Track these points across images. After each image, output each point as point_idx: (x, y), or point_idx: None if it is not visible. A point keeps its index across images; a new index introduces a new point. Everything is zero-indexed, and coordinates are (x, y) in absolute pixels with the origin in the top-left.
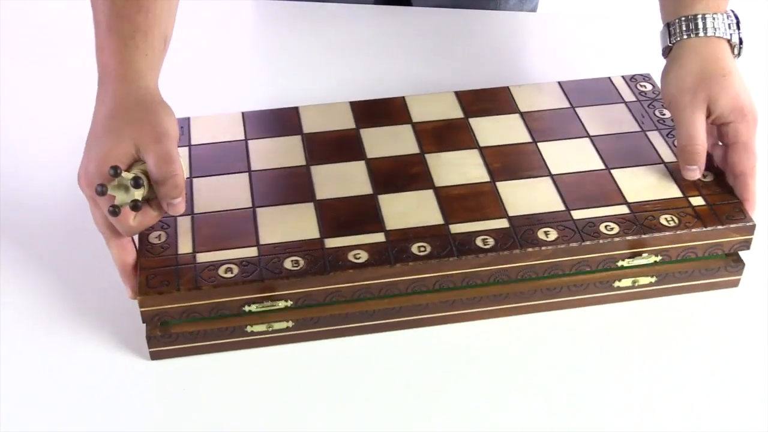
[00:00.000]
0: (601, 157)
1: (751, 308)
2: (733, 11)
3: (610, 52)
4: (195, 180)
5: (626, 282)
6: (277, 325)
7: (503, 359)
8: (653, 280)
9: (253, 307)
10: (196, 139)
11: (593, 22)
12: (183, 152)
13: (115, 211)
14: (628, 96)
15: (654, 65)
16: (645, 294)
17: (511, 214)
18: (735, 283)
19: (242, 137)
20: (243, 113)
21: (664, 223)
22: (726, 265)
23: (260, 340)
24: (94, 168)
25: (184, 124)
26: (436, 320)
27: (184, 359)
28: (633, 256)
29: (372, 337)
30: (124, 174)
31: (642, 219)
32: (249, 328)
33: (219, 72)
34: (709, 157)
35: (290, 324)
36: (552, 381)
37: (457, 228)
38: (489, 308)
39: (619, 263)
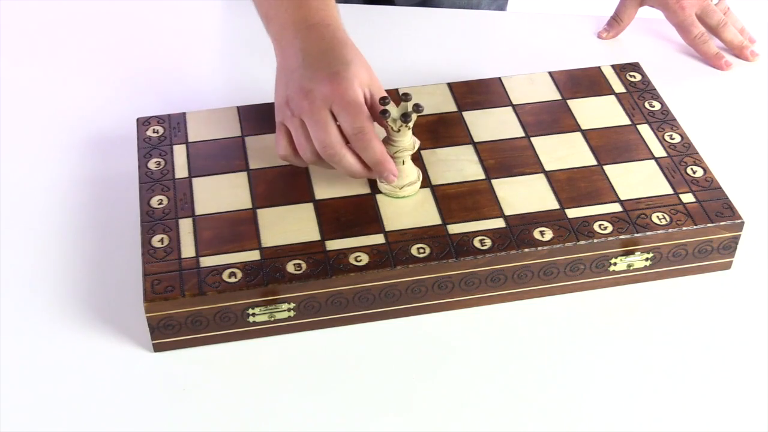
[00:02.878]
0: (594, 153)
1: (743, 290)
2: None
3: (590, 48)
4: (194, 180)
5: (621, 266)
6: (279, 315)
7: (500, 344)
8: (647, 263)
9: (257, 310)
10: (193, 137)
11: (569, 20)
12: (181, 150)
13: (386, 111)
14: (618, 87)
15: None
16: (639, 278)
17: (507, 213)
18: (728, 266)
19: (239, 134)
20: (238, 108)
21: (656, 221)
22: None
23: (262, 330)
24: (338, 92)
25: (180, 120)
26: (432, 308)
27: (187, 351)
28: (626, 254)
29: (373, 325)
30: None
31: (634, 217)
32: (251, 319)
33: (213, 66)
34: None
35: (292, 314)
36: (547, 366)
37: (454, 228)
38: (485, 294)
39: (612, 260)
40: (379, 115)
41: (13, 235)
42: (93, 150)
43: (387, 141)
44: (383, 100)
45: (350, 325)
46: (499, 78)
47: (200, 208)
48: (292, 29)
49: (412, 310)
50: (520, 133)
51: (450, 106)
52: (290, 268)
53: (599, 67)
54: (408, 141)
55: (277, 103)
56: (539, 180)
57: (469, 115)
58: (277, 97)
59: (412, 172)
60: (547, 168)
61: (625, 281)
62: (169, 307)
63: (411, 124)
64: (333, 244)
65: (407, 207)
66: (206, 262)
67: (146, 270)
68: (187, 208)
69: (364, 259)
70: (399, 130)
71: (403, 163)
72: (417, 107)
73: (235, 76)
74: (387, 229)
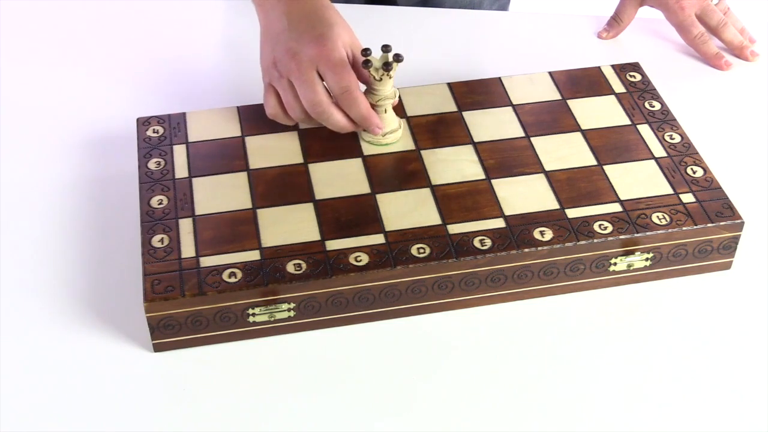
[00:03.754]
0: (594, 153)
1: (743, 290)
2: None
3: (590, 48)
4: (194, 180)
5: (621, 266)
6: (279, 315)
7: (500, 344)
8: (647, 263)
9: (257, 310)
10: (193, 136)
11: (569, 20)
12: (181, 150)
13: (368, 61)
14: (618, 87)
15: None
16: (639, 278)
17: (507, 213)
18: (728, 266)
19: (239, 134)
20: (238, 108)
21: (656, 221)
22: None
23: (262, 330)
24: (321, 51)
25: (180, 120)
26: (432, 308)
27: (187, 351)
28: (626, 254)
29: (373, 325)
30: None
31: (634, 217)
32: (251, 319)
33: (213, 66)
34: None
35: (292, 314)
36: (547, 365)
37: (454, 228)
38: (485, 294)
39: (612, 260)
40: (361, 66)
41: (13, 235)
42: (93, 150)
43: (369, 91)
44: (365, 51)
45: (350, 325)
46: (499, 78)
47: (200, 208)
48: None
49: (412, 310)
50: (520, 133)
51: (450, 106)
52: (290, 268)
53: (599, 67)
54: (389, 90)
55: (264, 65)
56: (539, 180)
57: (469, 115)
58: (264, 60)
59: (393, 121)
60: (547, 168)
61: (625, 281)
62: (169, 307)
63: (392, 73)
64: (333, 244)
65: (407, 207)
66: (206, 262)
67: (146, 270)
68: (187, 208)
69: (364, 259)
70: (381, 79)
71: (385, 112)
72: (397, 57)
73: (235, 76)
74: (387, 229)
